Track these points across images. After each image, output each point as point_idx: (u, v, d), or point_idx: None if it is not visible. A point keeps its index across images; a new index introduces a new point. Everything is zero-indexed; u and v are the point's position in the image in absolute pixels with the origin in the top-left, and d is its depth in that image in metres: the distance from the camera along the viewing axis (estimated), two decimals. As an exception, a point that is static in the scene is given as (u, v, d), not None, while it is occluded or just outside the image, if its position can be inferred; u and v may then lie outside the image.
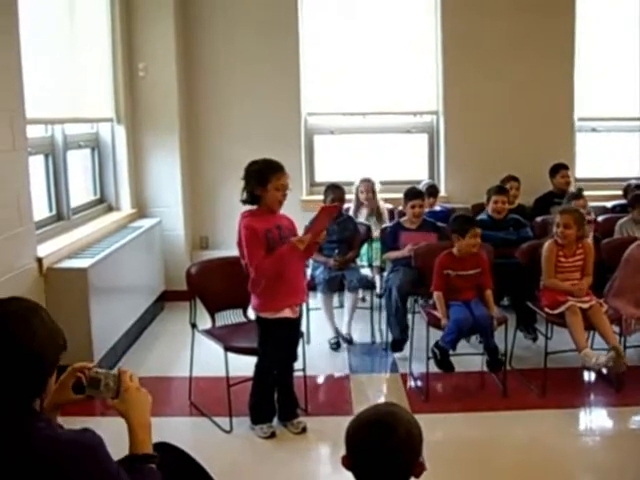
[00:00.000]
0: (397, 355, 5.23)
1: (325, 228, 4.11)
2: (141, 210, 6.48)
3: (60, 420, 2.03)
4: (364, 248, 5.98)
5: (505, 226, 5.69)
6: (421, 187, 6.23)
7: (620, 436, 4.10)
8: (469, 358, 4.72)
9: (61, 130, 5.26)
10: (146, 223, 6.15)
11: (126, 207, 6.30)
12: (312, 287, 5.30)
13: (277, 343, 3.98)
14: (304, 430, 4.08)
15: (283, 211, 4.03)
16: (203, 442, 3.89)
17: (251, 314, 4.38)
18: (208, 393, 4.53)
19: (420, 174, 7.18)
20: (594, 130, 7.36)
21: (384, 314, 5.51)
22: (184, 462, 2.39)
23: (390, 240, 5.56)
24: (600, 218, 6.15)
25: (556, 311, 4.53)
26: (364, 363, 5.27)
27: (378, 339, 5.58)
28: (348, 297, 5.51)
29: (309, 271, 5.45)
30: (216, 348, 4.16)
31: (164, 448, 2.29)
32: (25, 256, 4.26)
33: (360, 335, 5.64)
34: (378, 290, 5.81)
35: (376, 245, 5.94)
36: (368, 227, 6.00)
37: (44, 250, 4.55)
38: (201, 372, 4.57)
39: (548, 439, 3.96)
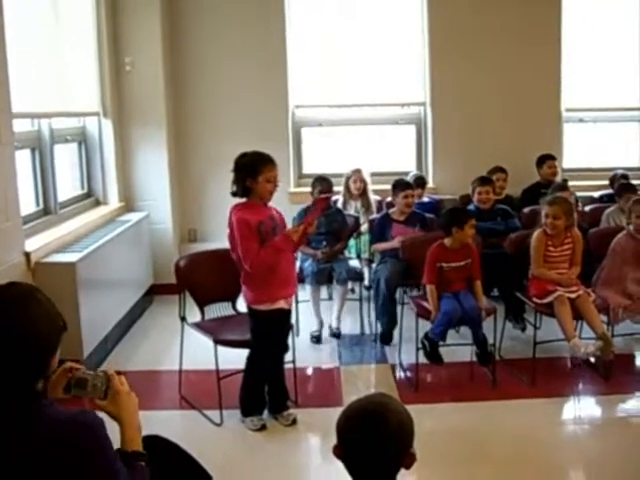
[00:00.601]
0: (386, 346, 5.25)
1: (317, 218, 4.11)
2: (129, 204, 6.45)
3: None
4: (352, 241, 5.97)
5: (492, 216, 5.70)
6: (409, 178, 6.21)
7: (609, 424, 4.14)
8: (459, 348, 4.72)
9: (48, 124, 5.22)
10: (134, 217, 6.13)
11: (114, 201, 6.27)
12: (301, 279, 5.30)
13: (272, 335, 3.98)
14: (294, 422, 4.08)
15: (271, 204, 4.01)
16: (193, 435, 3.87)
17: (240, 307, 4.38)
18: (198, 386, 4.53)
19: (408, 165, 7.18)
20: (581, 121, 7.38)
21: (373, 305, 5.53)
22: (175, 454, 2.41)
23: (378, 231, 5.57)
24: (587, 208, 6.19)
25: (544, 301, 4.55)
26: (353, 354, 5.27)
27: (367, 330, 5.59)
28: (337, 289, 5.51)
29: (298, 263, 5.45)
30: (206, 341, 4.15)
31: (155, 441, 2.30)
32: (13, 251, 4.24)
33: (349, 327, 5.65)
34: (367, 282, 5.82)
35: (364, 238, 5.94)
36: (357, 219, 5.98)
37: (32, 245, 4.52)
38: (191, 365, 4.57)
39: (538, 428, 3.98)
